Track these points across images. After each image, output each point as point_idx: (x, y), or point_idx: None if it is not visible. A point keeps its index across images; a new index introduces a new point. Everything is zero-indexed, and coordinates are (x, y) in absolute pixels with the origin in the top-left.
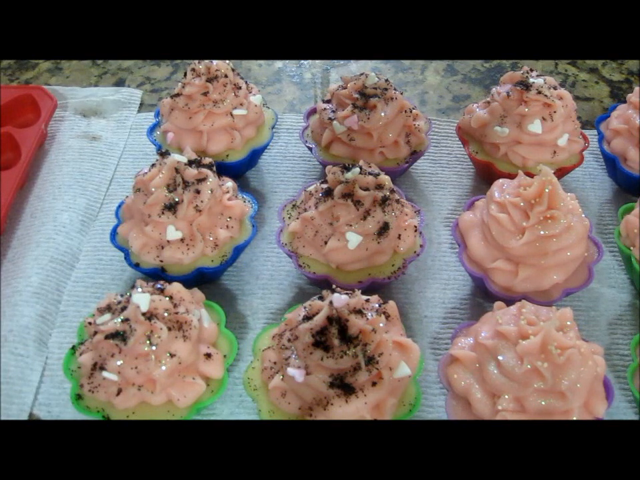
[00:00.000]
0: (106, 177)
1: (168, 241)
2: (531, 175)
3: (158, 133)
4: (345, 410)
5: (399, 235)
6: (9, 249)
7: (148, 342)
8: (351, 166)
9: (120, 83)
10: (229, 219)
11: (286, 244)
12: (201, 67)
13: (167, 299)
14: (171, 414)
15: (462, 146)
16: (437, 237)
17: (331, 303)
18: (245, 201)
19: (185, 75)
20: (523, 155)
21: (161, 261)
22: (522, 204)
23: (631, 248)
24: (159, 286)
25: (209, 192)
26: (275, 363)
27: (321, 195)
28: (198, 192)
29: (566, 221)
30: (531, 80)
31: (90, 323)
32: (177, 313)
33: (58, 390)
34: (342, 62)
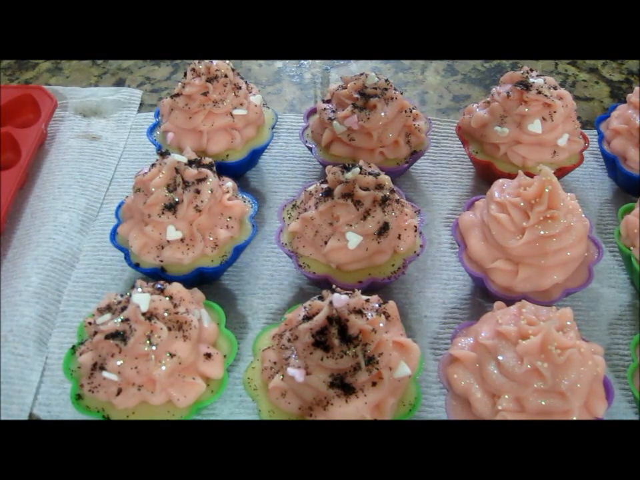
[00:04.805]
0: (106, 176)
1: (168, 241)
2: (531, 175)
3: (158, 133)
4: (345, 410)
5: (399, 235)
6: (9, 248)
7: (148, 342)
8: (351, 166)
9: (120, 83)
10: (228, 219)
11: (286, 244)
12: (201, 67)
13: (167, 299)
14: (171, 414)
15: (462, 146)
16: (437, 237)
17: (330, 303)
18: (245, 201)
19: (185, 74)
20: (523, 155)
21: (161, 261)
22: (522, 204)
23: (631, 248)
24: (159, 286)
25: (209, 192)
26: (275, 363)
27: (320, 195)
28: (198, 192)
29: (566, 220)
30: (531, 80)
31: (90, 323)
32: (177, 313)
33: (58, 390)
34: (342, 62)
